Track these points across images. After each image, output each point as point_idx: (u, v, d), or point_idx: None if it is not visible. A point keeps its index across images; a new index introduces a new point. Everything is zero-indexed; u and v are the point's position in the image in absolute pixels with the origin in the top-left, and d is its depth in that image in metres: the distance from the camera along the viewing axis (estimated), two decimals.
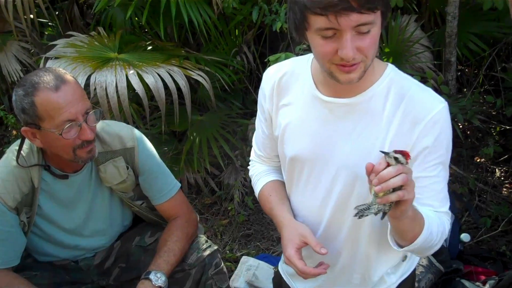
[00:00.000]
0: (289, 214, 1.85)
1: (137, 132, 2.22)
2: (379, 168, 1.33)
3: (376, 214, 1.41)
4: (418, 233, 1.50)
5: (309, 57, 1.73)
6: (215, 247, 2.30)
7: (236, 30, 4.06)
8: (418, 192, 1.44)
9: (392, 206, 1.38)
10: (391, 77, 1.62)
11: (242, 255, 3.28)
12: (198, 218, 2.43)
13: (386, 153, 1.35)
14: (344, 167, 1.67)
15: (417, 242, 1.51)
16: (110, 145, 2.14)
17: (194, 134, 3.73)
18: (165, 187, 2.27)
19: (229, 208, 3.65)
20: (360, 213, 1.42)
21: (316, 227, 1.83)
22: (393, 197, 1.32)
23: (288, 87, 1.77)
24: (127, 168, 2.17)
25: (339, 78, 1.49)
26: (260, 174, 2.03)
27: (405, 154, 1.34)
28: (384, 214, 1.41)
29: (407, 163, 1.34)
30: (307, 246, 1.73)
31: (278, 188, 1.95)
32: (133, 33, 4.09)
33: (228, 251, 3.38)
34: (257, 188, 2.01)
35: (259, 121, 1.93)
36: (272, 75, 1.81)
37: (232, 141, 3.77)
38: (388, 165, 1.33)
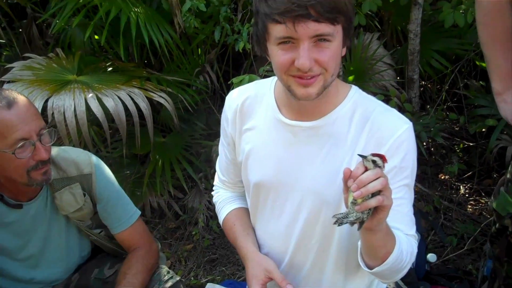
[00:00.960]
0: (254, 246, 1.82)
1: (94, 158, 2.14)
2: (357, 172, 1.30)
3: (352, 224, 1.37)
4: (390, 250, 1.46)
5: (272, 80, 1.71)
6: (178, 278, 2.21)
7: (199, 49, 4.00)
8: None
9: (370, 214, 1.35)
10: (355, 99, 1.60)
11: (207, 281, 3.20)
12: (160, 247, 2.36)
13: (363, 157, 1.32)
14: (310, 192, 1.64)
15: (389, 260, 1.47)
16: (66, 171, 2.06)
17: (157, 156, 3.65)
18: (124, 215, 2.19)
19: (194, 232, 3.57)
20: (339, 220, 1.38)
21: (281, 255, 1.80)
22: (373, 202, 1.29)
23: (251, 111, 1.74)
24: (84, 195, 2.09)
25: (297, 92, 1.47)
26: (224, 201, 2.00)
27: (382, 157, 1.32)
28: (362, 223, 1.37)
29: (384, 166, 1.32)
30: (273, 280, 1.70)
31: (242, 216, 1.92)
32: (93, 53, 3.99)
33: (192, 278, 3.29)
34: (221, 216, 1.98)
35: (222, 146, 1.90)
36: (234, 99, 1.78)
37: (196, 163, 3.70)
38: (366, 169, 1.30)
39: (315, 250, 1.72)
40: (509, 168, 2.03)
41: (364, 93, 1.66)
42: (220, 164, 1.98)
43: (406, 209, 1.59)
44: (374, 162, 1.31)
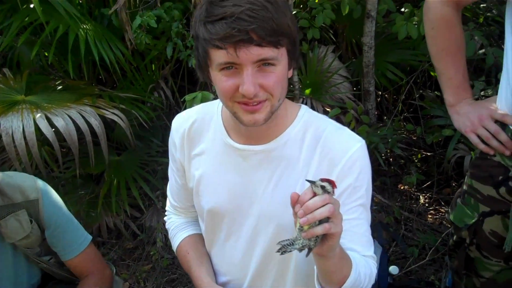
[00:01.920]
0: (208, 276, 1.75)
1: (41, 182, 2.05)
2: (304, 198, 1.25)
3: (300, 250, 1.32)
4: (346, 275, 1.42)
5: (219, 102, 1.65)
6: None
7: (153, 65, 3.93)
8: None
9: (318, 242, 1.30)
10: (305, 119, 1.57)
11: None
12: (114, 271, 2.26)
13: (312, 182, 1.27)
14: (265, 218, 1.60)
15: (346, 285, 1.43)
16: (11, 197, 1.95)
17: (112, 175, 3.55)
18: (75, 241, 2.09)
19: (152, 252, 3.47)
20: (283, 248, 1.33)
21: (240, 281, 1.75)
22: (319, 230, 1.24)
23: (199, 136, 1.68)
24: (31, 222, 1.98)
25: (243, 119, 1.42)
26: (176, 228, 1.94)
27: (331, 183, 1.27)
28: (310, 250, 1.32)
29: (333, 192, 1.28)
30: None
31: (196, 244, 1.86)
32: (43, 72, 3.87)
33: None
34: (174, 244, 1.92)
35: (172, 171, 1.83)
36: (181, 123, 1.72)
37: (152, 181, 3.61)
38: (315, 195, 1.25)
39: (273, 275, 1.68)
40: (465, 179, 2.02)
41: (314, 112, 1.62)
42: (171, 189, 1.91)
43: (362, 229, 1.57)
44: (323, 187, 1.26)
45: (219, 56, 1.33)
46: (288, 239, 1.32)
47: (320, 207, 1.23)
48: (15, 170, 3.00)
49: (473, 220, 1.96)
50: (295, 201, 1.27)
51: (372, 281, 1.56)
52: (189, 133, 1.68)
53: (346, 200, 1.51)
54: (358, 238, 1.56)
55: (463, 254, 2.06)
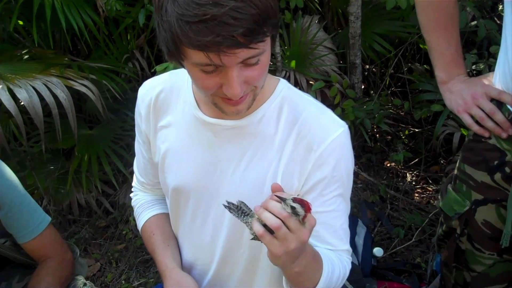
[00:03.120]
0: (174, 260, 1.62)
1: None
2: (268, 200, 1.15)
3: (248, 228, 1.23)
4: (315, 281, 1.33)
5: None
6: None
7: (128, 35, 3.72)
8: (316, 229, 1.28)
9: (256, 239, 1.20)
10: (284, 94, 1.41)
11: (139, 284, 2.96)
12: (78, 254, 2.12)
13: (283, 199, 1.12)
14: (233, 198, 1.43)
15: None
16: None
17: (83, 150, 3.36)
18: (31, 222, 1.92)
19: (124, 231, 3.31)
20: (232, 211, 1.25)
21: (207, 266, 1.62)
22: (256, 227, 1.14)
23: (167, 106, 1.52)
24: None
25: (225, 110, 1.28)
26: (142, 206, 1.80)
27: (305, 205, 1.12)
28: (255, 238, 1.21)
29: (304, 218, 1.13)
30: None
31: (162, 224, 1.72)
32: (11, 41, 3.64)
33: (124, 281, 3.04)
34: (139, 223, 1.78)
35: (138, 144, 1.68)
36: (147, 91, 1.55)
37: (126, 157, 3.43)
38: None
39: (242, 262, 1.55)
40: (457, 163, 1.85)
41: (294, 88, 1.46)
42: (137, 164, 1.76)
43: (339, 222, 1.45)
44: (293, 209, 1.12)
45: (196, 57, 1.13)
46: (247, 210, 1.25)
47: (271, 214, 1.12)
48: None
49: (465, 209, 1.80)
50: (274, 191, 1.19)
51: (345, 280, 1.47)
52: (156, 102, 1.52)
53: (323, 190, 1.39)
54: (335, 232, 1.45)
55: (453, 245, 1.90)
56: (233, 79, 1.16)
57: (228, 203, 1.25)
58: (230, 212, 1.24)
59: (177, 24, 1.08)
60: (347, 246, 1.49)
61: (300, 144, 1.38)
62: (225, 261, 1.57)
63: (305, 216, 1.13)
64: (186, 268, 1.67)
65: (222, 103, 1.26)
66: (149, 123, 1.56)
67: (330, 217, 1.42)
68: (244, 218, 1.23)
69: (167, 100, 1.52)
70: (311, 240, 1.39)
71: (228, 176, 1.45)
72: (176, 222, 1.66)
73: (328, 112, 1.43)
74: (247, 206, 1.26)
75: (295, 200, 1.12)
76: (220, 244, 1.54)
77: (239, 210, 1.24)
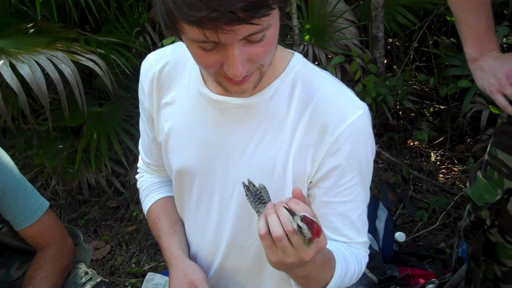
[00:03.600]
0: (180, 248, 1.54)
1: None
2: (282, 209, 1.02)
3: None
4: (327, 280, 1.23)
5: None
6: (99, 279, 1.88)
7: (139, 7, 3.57)
8: (330, 220, 1.30)
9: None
10: (298, 70, 1.27)
11: (150, 268, 2.85)
12: (82, 239, 2.02)
13: (292, 214, 1.00)
14: (240, 184, 1.31)
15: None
16: None
17: (92, 128, 3.24)
18: (28, 208, 1.82)
19: (135, 213, 3.20)
20: (249, 193, 1.14)
21: (212, 256, 1.53)
22: (261, 230, 1.03)
23: (171, 81, 1.40)
24: None
25: (229, 89, 1.15)
26: (148, 188, 1.70)
27: (313, 228, 0.99)
28: None
29: (311, 239, 1.01)
30: None
31: (168, 208, 1.62)
32: (18, 15, 3.51)
33: (134, 264, 2.93)
34: (145, 206, 1.68)
35: (142, 122, 1.57)
36: (150, 65, 1.44)
37: (137, 135, 3.29)
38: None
39: (251, 253, 1.44)
40: (488, 148, 1.69)
41: (309, 64, 1.31)
42: (142, 144, 1.65)
43: (356, 213, 1.34)
44: (299, 227, 0.99)
45: (193, 33, 0.99)
46: (262, 195, 1.13)
47: (272, 224, 1.01)
48: None
49: (496, 198, 1.66)
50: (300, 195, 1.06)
51: (360, 275, 1.38)
52: (159, 77, 1.41)
53: (339, 179, 1.27)
54: (352, 223, 1.34)
55: (482, 237, 1.76)
56: (234, 57, 1.02)
57: (249, 182, 1.14)
58: (246, 194, 1.13)
59: None
60: (364, 238, 1.39)
61: (314, 126, 1.24)
62: (231, 251, 1.47)
63: (312, 238, 1.00)
64: (192, 258, 1.57)
65: (225, 81, 1.13)
66: (152, 100, 1.45)
67: (347, 208, 1.31)
68: (258, 206, 1.12)
69: (172, 74, 1.40)
70: (326, 232, 1.27)
71: (235, 159, 1.33)
72: (181, 208, 1.56)
73: (347, 91, 1.28)
74: (268, 194, 1.13)
75: (304, 218, 0.99)
76: (226, 233, 1.44)
77: (257, 196, 1.13)
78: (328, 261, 1.19)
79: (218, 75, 1.11)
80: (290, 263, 1.02)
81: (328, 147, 1.23)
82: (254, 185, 1.13)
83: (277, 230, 1.00)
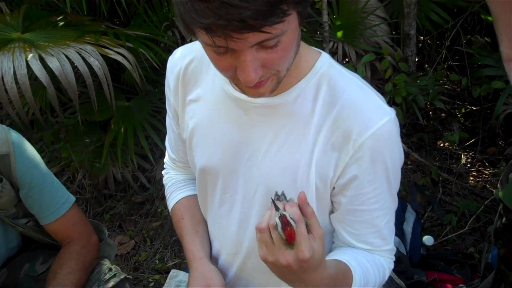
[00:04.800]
0: (202, 249, 1.54)
1: (14, 134, 1.77)
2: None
3: None
4: None
5: None
6: (123, 276, 1.87)
7: (168, 1, 3.53)
8: (356, 227, 1.30)
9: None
10: (324, 71, 1.23)
11: (174, 265, 2.84)
12: (106, 235, 2.03)
13: (277, 208, 1.03)
14: (263, 185, 1.33)
15: None
16: None
17: (119, 123, 3.24)
18: (53, 203, 1.82)
19: (160, 209, 3.19)
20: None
21: (232, 257, 1.53)
22: (258, 224, 1.05)
23: (197, 78, 1.39)
24: (1, 180, 1.72)
25: (246, 92, 1.14)
26: (173, 186, 1.70)
27: (285, 230, 1.00)
28: None
29: (289, 241, 1.01)
30: None
31: (192, 208, 1.62)
32: (47, 8, 3.52)
33: (158, 261, 2.92)
34: (170, 204, 1.70)
35: (169, 118, 1.56)
36: (176, 61, 1.42)
37: (164, 131, 3.28)
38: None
39: None
40: None
41: (337, 65, 1.27)
42: (169, 139, 1.65)
43: (383, 221, 1.32)
44: (276, 224, 1.01)
45: (204, 37, 0.97)
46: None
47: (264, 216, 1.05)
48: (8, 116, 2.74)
49: None
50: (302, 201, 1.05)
51: (383, 283, 1.38)
52: (185, 74, 1.40)
53: (364, 187, 1.24)
54: (378, 231, 1.32)
55: None
56: (245, 63, 0.99)
57: (277, 196, 1.15)
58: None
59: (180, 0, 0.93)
60: (390, 246, 1.37)
61: (338, 130, 1.21)
62: (253, 252, 1.45)
63: (289, 241, 1.00)
64: (214, 257, 1.58)
65: (241, 84, 1.10)
66: (177, 96, 1.44)
67: (373, 216, 1.29)
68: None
69: (197, 71, 1.39)
70: (350, 239, 1.31)
71: (257, 160, 1.31)
72: (205, 206, 1.55)
73: (374, 96, 1.24)
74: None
75: (282, 218, 1.00)
76: (248, 234, 1.43)
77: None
78: (338, 279, 1.17)
79: (234, 78, 1.09)
80: (271, 261, 1.03)
81: (352, 154, 1.20)
82: (284, 195, 1.14)
83: (263, 222, 1.02)
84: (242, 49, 0.97)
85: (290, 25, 0.98)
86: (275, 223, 0.99)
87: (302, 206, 1.04)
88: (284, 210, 1.02)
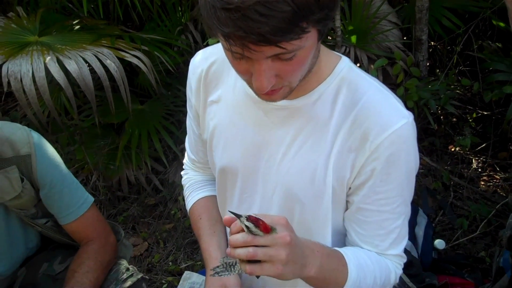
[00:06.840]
0: (218, 249, 1.55)
1: (35, 135, 1.79)
2: (233, 229, 1.09)
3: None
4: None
5: None
6: (139, 276, 1.89)
7: (182, 6, 3.59)
8: (363, 228, 1.30)
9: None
10: (344, 75, 1.25)
11: (187, 267, 2.86)
12: (123, 235, 2.05)
13: (238, 216, 1.07)
14: (281, 186, 1.34)
15: None
16: None
17: (133, 126, 3.27)
18: (73, 203, 1.84)
19: (173, 211, 3.21)
20: (220, 273, 1.18)
21: None
22: (247, 269, 1.07)
23: (218, 79, 1.41)
24: (22, 181, 1.73)
25: (260, 96, 1.16)
26: (192, 186, 1.73)
27: (258, 225, 1.04)
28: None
29: (264, 234, 1.05)
30: None
31: (210, 208, 1.64)
32: (63, 12, 3.56)
33: (171, 263, 2.95)
34: (188, 204, 1.71)
35: (189, 119, 1.59)
36: (198, 63, 1.45)
37: (177, 134, 3.33)
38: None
39: None
40: None
41: (356, 69, 1.29)
42: (189, 140, 1.68)
43: (392, 225, 1.32)
44: (247, 228, 1.04)
45: (223, 42, 1.01)
46: (229, 261, 1.18)
47: (240, 246, 1.05)
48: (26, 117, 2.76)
49: None
50: (228, 225, 1.11)
51: (390, 285, 1.37)
52: (207, 75, 1.42)
53: (377, 187, 1.25)
54: (385, 234, 1.33)
55: None
56: (259, 72, 1.02)
57: (214, 269, 1.20)
58: (220, 275, 1.19)
59: (205, 3, 0.96)
60: (397, 251, 1.36)
61: (356, 131, 1.22)
62: None
63: (266, 233, 1.04)
64: None
65: (254, 88, 1.13)
66: (199, 97, 1.46)
67: (382, 218, 1.29)
68: (235, 268, 1.16)
69: (219, 72, 1.41)
70: (357, 239, 1.33)
71: (276, 161, 1.33)
72: (224, 206, 1.57)
73: (393, 99, 1.26)
74: (228, 257, 1.16)
75: (249, 218, 1.03)
76: None
77: (226, 266, 1.17)
78: (332, 254, 1.23)
79: (249, 82, 1.11)
80: (286, 255, 1.05)
81: (369, 155, 1.21)
82: (217, 266, 1.19)
83: (246, 252, 1.04)
84: (258, 59, 0.99)
85: (308, 41, 1.00)
86: (246, 227, 1.03)
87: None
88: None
